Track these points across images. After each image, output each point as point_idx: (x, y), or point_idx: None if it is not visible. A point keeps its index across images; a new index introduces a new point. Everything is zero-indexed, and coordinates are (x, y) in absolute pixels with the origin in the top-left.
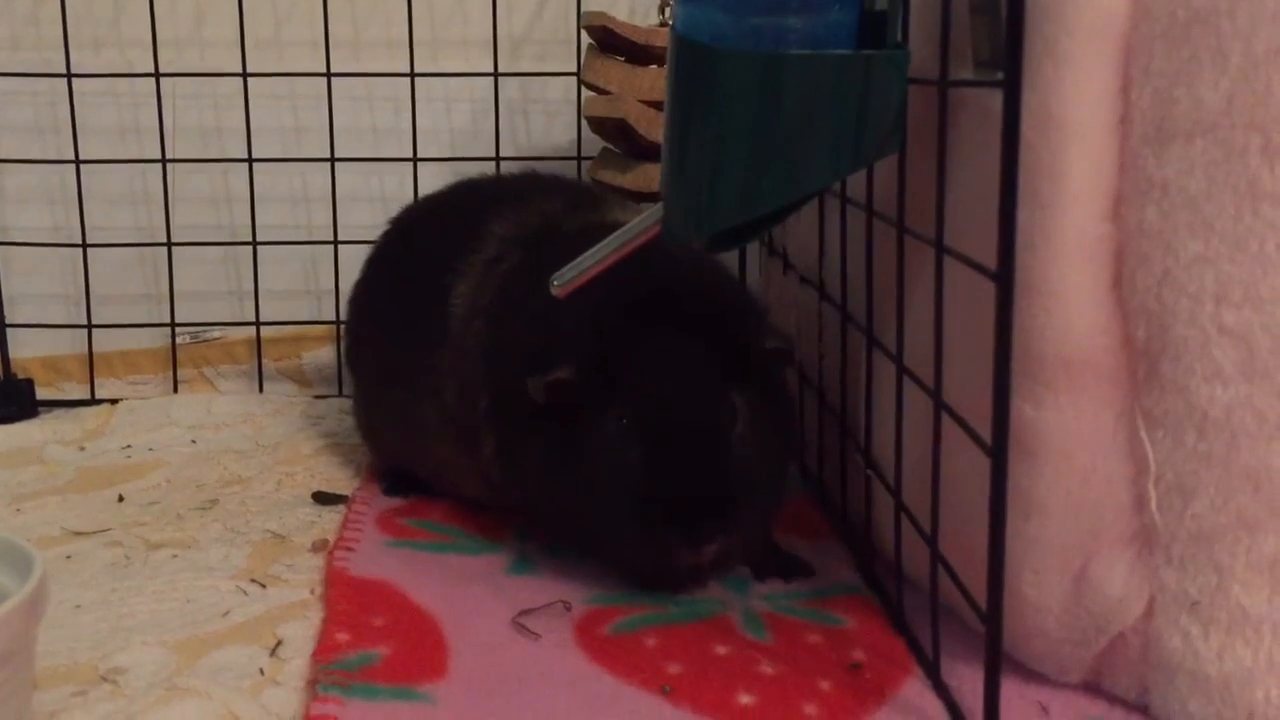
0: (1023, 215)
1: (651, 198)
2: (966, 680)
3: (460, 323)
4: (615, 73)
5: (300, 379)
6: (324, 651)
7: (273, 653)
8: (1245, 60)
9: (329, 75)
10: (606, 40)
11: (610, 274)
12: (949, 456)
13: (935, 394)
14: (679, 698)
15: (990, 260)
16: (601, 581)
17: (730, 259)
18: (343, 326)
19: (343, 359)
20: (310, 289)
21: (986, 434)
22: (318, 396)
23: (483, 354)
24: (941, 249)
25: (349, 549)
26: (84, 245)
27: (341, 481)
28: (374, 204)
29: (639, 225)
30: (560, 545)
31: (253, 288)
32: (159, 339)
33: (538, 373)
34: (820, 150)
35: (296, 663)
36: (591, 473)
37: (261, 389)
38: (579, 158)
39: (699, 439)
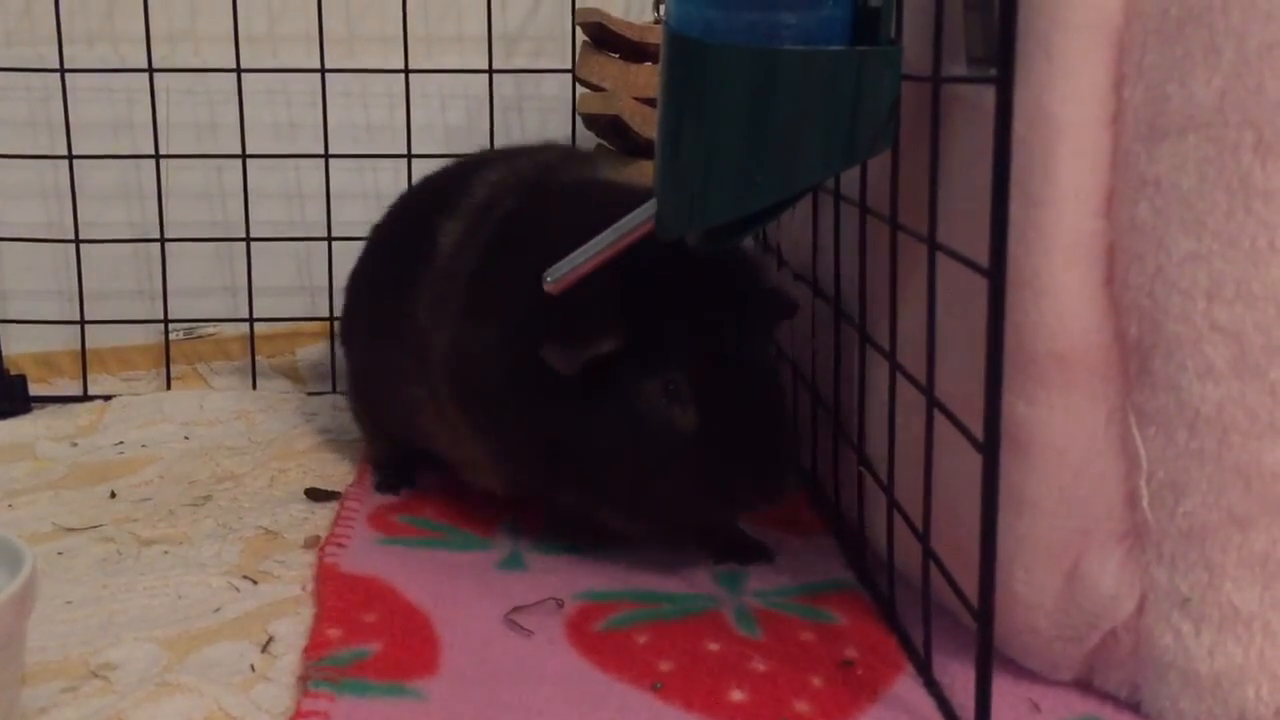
0: (1015, 212)
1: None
2: (958, 677)
3: (446, 257)
4: (610, 69)
5: (294, 375)
6: (315, 647)
7: (264, 649)
8: (1238, 57)
9: (323, 71)
10: (601, 37)
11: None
12: (941, 453)
13: (928, 390)
14: (670, 694)
15: (982, 257)
16: (593, 578)
17: None
18: (338, 313)
19: (336, 340)
20: (304, 285)
21: (979, 430)
22: (311, 393)
23: (468, 283)
24: (934, 245)
25: (341, 545)
26: (77, 241)
27: (334, 478)
28: (368, 200)
29: (632, 221)
30: (534, 492)
31: (246, 284)
32: (152, 335)
33: (570, 345)
34: (813, 146)
35: (288, 659)
36: (636, 437)
37: (255, 385)
38: None
39: (758, 393)
